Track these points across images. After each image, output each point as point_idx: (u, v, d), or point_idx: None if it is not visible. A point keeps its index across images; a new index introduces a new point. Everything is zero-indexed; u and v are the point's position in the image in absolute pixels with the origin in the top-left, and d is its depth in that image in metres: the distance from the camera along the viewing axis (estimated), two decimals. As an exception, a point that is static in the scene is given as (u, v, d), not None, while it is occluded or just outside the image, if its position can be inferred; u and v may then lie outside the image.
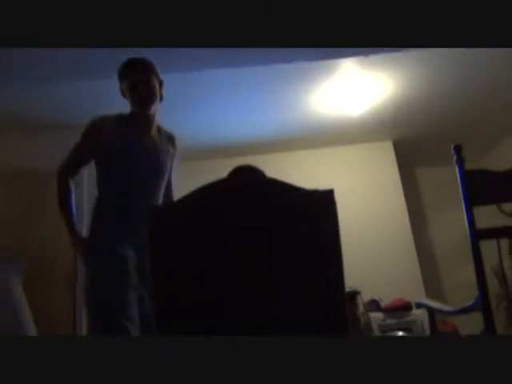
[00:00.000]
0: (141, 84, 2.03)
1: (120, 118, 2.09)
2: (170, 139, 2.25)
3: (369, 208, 5.14)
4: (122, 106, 2.10)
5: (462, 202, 1.51)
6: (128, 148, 2.05)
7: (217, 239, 1.36)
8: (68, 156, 2.09)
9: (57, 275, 3.47)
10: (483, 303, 1.47)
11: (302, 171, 5.15)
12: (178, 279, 1.32)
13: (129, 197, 2.04)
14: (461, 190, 1.51)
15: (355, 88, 4.11)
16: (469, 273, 1.67)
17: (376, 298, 4.61)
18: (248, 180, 1.51)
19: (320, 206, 1.40)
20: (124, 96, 2.11)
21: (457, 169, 1.54)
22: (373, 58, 3.55)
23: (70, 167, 2.09)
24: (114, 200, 2.05)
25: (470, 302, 1.60)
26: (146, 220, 1.54)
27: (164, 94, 2.13)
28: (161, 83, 2.12)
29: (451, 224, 4.97)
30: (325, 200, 1.42)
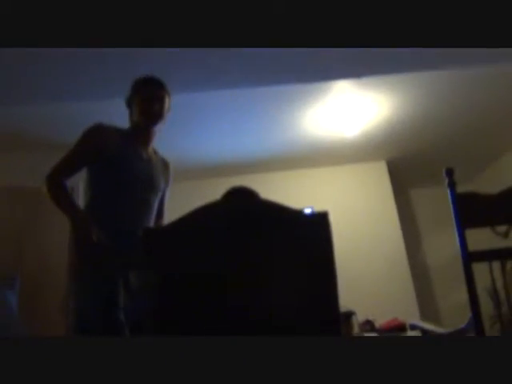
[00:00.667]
0: (156, 100, 2.06)
1: (120, 129, 2.08)
2: (165, 164, 2.26)
3: (363, 228, 5.15)
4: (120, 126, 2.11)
5: (455, 224, 1.52)
6: (126, 159, 2.02)
7: (211, 262, 1.36)
8: (62, 160, 1.99)
9: (51, 292, 3.45)
10: (476, 325, 1.48)
11: (296, 191, 5.18)
12: (171, 302, 1.32)
13: (120, 210, 1.99)
14: (453, 214, 1.52)
15: (349, 109, 4.16)
16: (463, 294, 1.68)
17: (370, 318, 4.60)
18: (242, 202, 1.52)
19: (314, 228, 1.41)
20: (129, 107, 2.12)
21: (448, 192, 1.56)
22: (366, 79, 3.60)
23: (63, 172, 1.99)
24: (106, 212, 1.97)
25: (464, 324, 1.61)
26: (137, 239, 1.55)
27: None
28: (169, 105, 2.15)
29: (445, 245, 4.98)
30: (319, 222, 1.43)
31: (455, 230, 1.53)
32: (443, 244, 5.23)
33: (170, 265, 1.41)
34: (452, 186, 1.55)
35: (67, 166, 1.99)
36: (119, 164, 2.00)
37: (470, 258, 1.48)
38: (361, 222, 5.17)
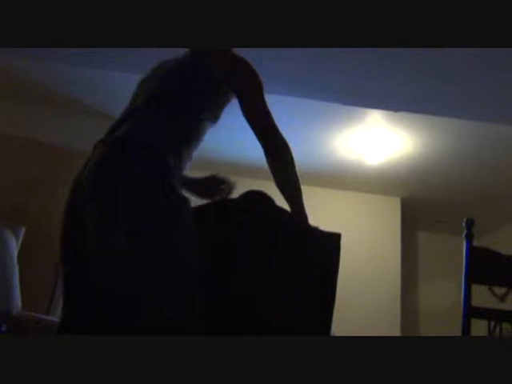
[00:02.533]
0: None
1: None
2: None
3: (363, 259, 5.10)
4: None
5: (463, 276, 1.51)
6: None
7: (220, 254, 1.37)
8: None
9: (49, 252, 3.45)
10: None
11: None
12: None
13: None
14: (464, 265, 1.51)
15: (378, 139, 4.17)
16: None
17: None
18: (260, 205, 1.53)
19: (326, 246, 1.42)
20: None
21: (464, 243, 1.55)
22: (400, 114, 3.60)
23: None
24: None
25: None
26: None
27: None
28: None
29: (440, 294, 4.96)
30: (331, 242, 1.44)
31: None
32: (438, 293, 5.20)
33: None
34: (469, 237, 1.54)
35: None
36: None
37: (470, 312, 1.47)
38: (362, 252, 5.12)
